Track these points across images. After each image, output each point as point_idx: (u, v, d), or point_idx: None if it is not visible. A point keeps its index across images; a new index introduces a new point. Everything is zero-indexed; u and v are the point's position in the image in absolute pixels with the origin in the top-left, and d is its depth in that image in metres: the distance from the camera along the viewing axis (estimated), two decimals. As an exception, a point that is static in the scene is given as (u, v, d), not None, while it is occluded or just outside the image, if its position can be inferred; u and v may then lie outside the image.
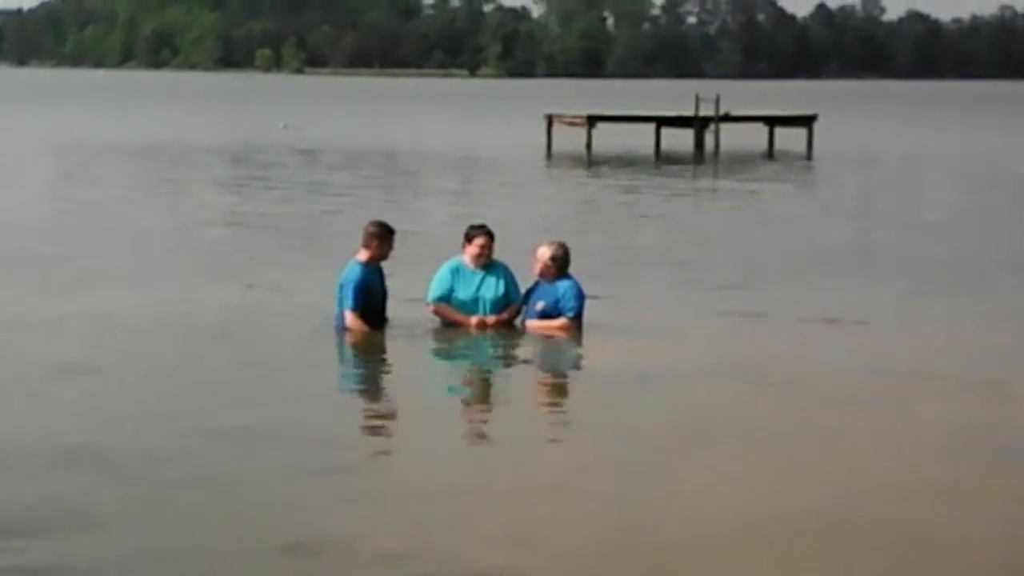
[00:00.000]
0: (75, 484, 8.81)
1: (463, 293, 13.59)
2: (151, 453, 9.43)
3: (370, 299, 13.31)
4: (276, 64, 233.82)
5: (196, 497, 8.57)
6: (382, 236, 13.44)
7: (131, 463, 9.25)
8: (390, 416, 11.17)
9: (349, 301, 13.25)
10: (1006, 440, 10.24)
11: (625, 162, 42.05)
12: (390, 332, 13.44)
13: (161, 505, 8.40)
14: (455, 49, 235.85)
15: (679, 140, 47.59)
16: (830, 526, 8.22)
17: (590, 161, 42.91)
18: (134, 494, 8.60)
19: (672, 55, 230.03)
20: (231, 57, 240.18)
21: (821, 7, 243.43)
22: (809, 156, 45.15)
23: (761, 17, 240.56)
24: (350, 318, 13.26)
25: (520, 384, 12.20)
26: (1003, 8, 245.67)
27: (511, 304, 13.66)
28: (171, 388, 11.50)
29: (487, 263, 13.64)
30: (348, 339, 13.21)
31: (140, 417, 10.45)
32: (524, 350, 13.11)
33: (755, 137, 48.50)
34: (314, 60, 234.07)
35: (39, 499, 8.45)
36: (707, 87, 61.15)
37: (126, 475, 9.03)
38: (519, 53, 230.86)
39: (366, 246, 13.43)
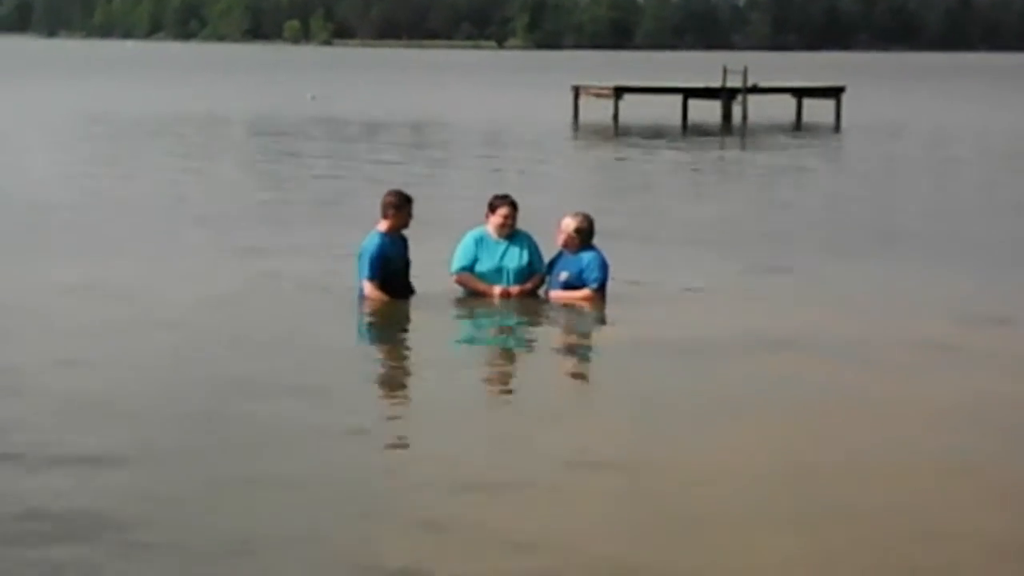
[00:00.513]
0: (82, 472, 8.82)
1: (487, 263, 13.59)
2: (155, 439, 9.32)
3: (389, 268, 13.31)
4: (304, 36, 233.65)
5: (208, 480, 8.56)
6: (399, 205, 13.44)
7: (140, 445, 9.25)
8: (410, 386, 11.17)
9: (366, 271, 13.27)
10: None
11: (652, 133, 41.94)
12: (414, 302, 13.45)
13: (170, 492, 8.38)
14: (483, 20, 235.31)
15: (706, 112, 47.43)
16: (852, 500, 8.20)
17: (617, 132, 42.83)
18: (147, 477, 8.62)
19: (701, 26, 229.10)
20: (259, 28, 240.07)
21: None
22: (837, 128, 44.98)
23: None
24: (368, 287, 13.28)
25: (543, 354, 12.18)
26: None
27: (535, 274, 13.64)
28: (187, 364, 11.43)
29: (511, 233, 13.62)
30: (366, 308, 13.23)
31: (149, 395, 10.41)
32: (547, 320, 13.10)
33: (783, 109, 48.32)
34: (342, 32, 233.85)
35: (52, 489, 8.43)
36: (736, 59, 60.96)
37: (138, 453, 9.07)
38: (547, 24, 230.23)
39: (385, 216, 13.44)
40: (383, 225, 13.42)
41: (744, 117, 47.20)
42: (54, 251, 17.23)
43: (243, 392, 10.39)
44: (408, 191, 13.89)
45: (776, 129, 44.05)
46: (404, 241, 13.55)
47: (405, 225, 13.49)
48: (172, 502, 7.98)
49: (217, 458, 8.83)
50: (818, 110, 47.80)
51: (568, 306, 13.39)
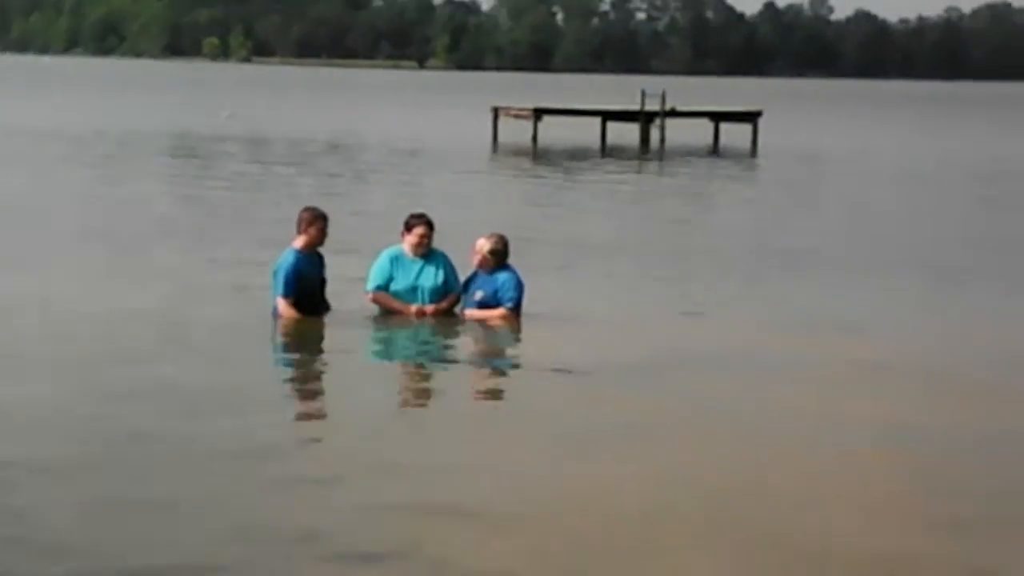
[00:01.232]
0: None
1: (402, 282, 13.56)
2: (71, 451, 9.24)
3: (304, 286, 13.24)
4: (223, 53, 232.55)
5: (105, 500, 8.47)
6: (311, 220, 13.39)
7: (58, 454, 9.17)
8: (323, 405, 11.11)
9: (280, 288, 13.20)
10: (940, 433, 10.29)
11: (570, 155, 42.08)
12: (329, 320, 13.39)
13: (88, 508, 8.30)
14: (403, 41, 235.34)
15: (625, 134, 47.67)
16: (767, 523, 8.24)
17: (536, 154, 42.93)
18: (64, 490, 8.53)
19: (620, 50, 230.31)
20: (178, 45, 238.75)
21: (769, 6, 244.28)
22: (754, 152, 45.33)
23: (710, 14, 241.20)
24: (282, 305, 13.20)
25: (457, 373, 12.14)
26: (949, 9, 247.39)
27: (450, 293, 13.63)
28: (93, 381, 11.28)
29: (426, 252, 13.60)
30: (280, 326, 13.15)
31: (63, 408, 10.32)
32: (462, 339, 13.09)
33: (701, 133, 48.65)
34: (262, 49, 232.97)
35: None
36: (655, 83, 61.25)
37: (57, 461, 8.97)
38: (467, 45, 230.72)
39: (299, 232, 13.39)
40: (299, 242, 13.35)
41: (662, 140, 47.47)
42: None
43: (149, 409, 10.28)
44: (325, 208, 13.83)
45: (694, 152, 44.34)
46: (320, 258, 13.49)
47: (320, 242, 13.44)
48: (66, 520, 7.87)
49: (115, 478, 8.69)
50: (735, 134, 48.18)
51: (483, 325, 13.39)
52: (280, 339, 13.04)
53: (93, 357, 12.01)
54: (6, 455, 9.01)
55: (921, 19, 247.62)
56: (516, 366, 12.48)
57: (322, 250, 13.54)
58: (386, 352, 13.10)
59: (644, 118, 48.45)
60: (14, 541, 7.49)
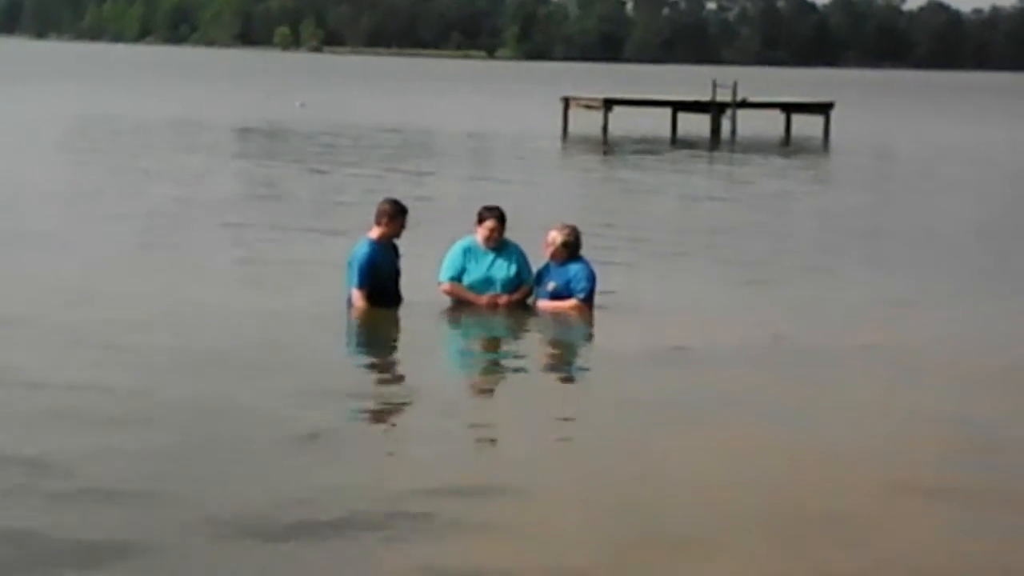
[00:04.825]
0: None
1: (475, 273, 13.61)
2: (126, 457, 9.20)
3: (378, 277, 13.29)
4: (294, 42, 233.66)
5: (188, 478, 8.60)
6: (393, 214, 13.44)
7: (133, 441, 9.30)
8: (397, 396, 11.16)
9: (355, 279, 13.27)
10: (998, 434, 10.26)
11: (641, 146, 42.01)
12: (402, 311, 13.45)
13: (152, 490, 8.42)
14: (473, 30, 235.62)
15: (695, 125, 47.54)
16: (830, 505, 8.25)
17: (606, 144, 42.91)
18: (133, 472, 8.66)
19: (691, 40, 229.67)
20: (249, 34, 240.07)
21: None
22: (825, 144, 45.10)
23: (781, 4, 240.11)
24: (355, 295, 13.28)
25: (530, 364, 12.17)
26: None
27: (523, 285, 13.67)
28: (166, 368, 11.32)
29: (499, 244, 13.65)
30: (353, 316, 13.23)
31: (135, 393, 10.44)
32: (535, 330, 13.15)
33: (772, 124, 48.43)
34: (332, 39, 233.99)
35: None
36: (725, 73, 61.08)
37: (126, 454, 9.09)
38: (537, 35, 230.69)
39: (378, 223, 13.44)
40: (375, 232, 13.41)
41: (733, 131, 47.30)
42: (31, 247, 17.25)
43: (224, 396, 10.39)
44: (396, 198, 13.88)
45: (765, 144, 44.14)
46: (395, 249, 13.55)
47: (397, 235, 13.49)
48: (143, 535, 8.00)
49: (191, 465, 8.78)
50: (807, 126, 47.94)
51: (555, 316, 13.43)
52: (354, 330, 13.13)
53: (161, 344, 12.11)
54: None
55: (995, 9, 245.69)
56: (587, 357, 12.54)
57: (397, 241, 13.58)
58: (459, 343, 13.18)
59: (715, 109, 48.32)
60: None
